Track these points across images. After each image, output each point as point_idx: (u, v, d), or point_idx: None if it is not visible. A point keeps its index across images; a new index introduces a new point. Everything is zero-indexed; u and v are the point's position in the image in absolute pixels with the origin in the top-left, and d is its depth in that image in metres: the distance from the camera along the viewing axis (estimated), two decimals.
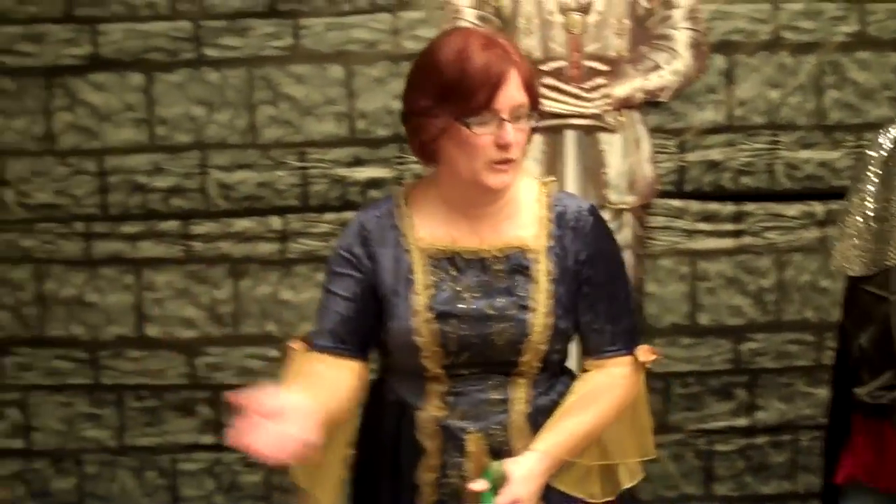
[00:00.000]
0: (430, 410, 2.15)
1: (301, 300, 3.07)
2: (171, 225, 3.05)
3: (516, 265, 2.14)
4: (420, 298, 2.13)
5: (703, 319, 3.10)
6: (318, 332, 2.19)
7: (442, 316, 2.12)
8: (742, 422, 3.15)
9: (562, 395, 2.17)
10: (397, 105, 2.82)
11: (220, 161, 3.03)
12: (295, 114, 3.01)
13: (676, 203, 3.05)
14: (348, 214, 3.00)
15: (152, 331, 3.09)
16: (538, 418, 2.14)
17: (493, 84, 2.04)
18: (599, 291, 2.17)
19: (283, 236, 3.06)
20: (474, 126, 2.05)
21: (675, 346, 3.08)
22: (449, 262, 2.15)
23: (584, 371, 2.21)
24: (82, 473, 3.13)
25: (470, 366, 2.13)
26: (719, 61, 3.00)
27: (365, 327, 2.17)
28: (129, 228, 3.05)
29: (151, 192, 3.04)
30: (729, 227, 3.07)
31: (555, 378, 2.19)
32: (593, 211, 2.21)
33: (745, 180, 3.07)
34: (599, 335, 2.17)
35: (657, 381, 3.06)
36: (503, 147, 2.06)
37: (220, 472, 3.14)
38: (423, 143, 2.13)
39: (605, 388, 2.16)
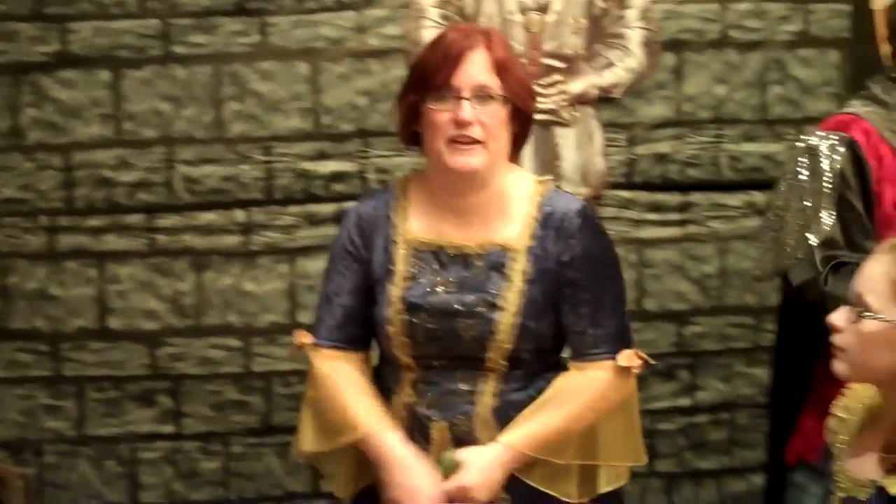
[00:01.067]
0: (403, 396, 2.18)
1: (263, 291, 3.09)
2: (135, 218, 3.04)
3: (494, 263, 2.13)
4: (396, 290, 2.15)
5: (650, 305, 3.18)
6: (324, 327, 2.21)
7: (412, 308, 2.14)
8: (684, 401, 3.22)
9: (540, 391, 2.14)
10: (362, 101, 2.89)
11: (186, 155, 3.04)
12: (261, 109, 3.03)
13: (626, 194, 3.12)
14: (312, 207, 3.04)
15: (115, 323, 3.07)
16: (508, 412, 2.13)
17: (452, 62, 2.07)
18: (582, 294, 2.13)
19: (247, 229, 3.07)
20: (432, 102, 2.09)
21: None
22: (433, 255, 2.16)
23: (567, 370, 2.18)
24: (41, 463, 3.10)
25: (439, 357, 2.15)
26: (669, 59, 3.09)
27: (369, 317, 2.20)
28: (94, 222, 3.04)
29: (117, 187, 3.03)
30: (675, 216, 3.16)
31: (535, 375, 2.16)
32: (583, 213, 2.17)
33: (692, 172, 3.16)
34: (581, 338, 2.14)
35: None
36: (460, 125, 2.07)
37: (178, 459, 3.14)
38: (401, 127, 2.18)
39: (580, 390, 2.13)
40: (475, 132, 2.08)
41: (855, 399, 1.89)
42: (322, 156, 3.06)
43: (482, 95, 2.09)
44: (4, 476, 2.47)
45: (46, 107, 2.99)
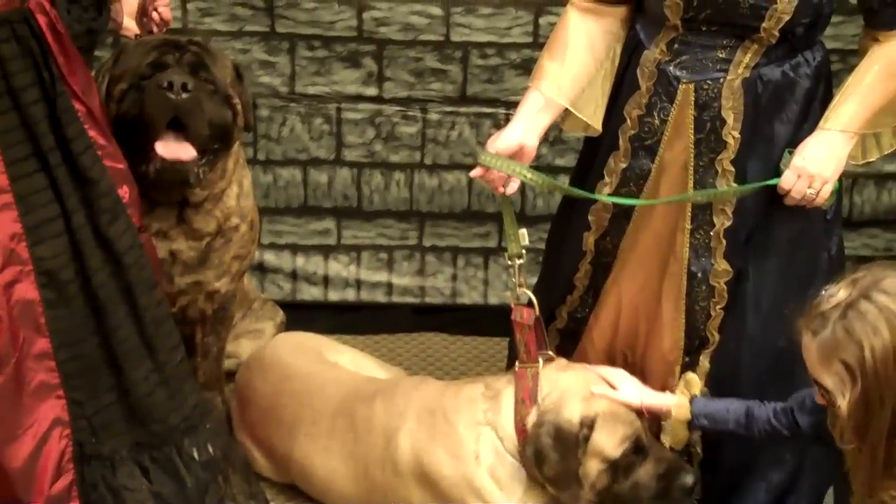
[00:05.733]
0: (655, 52, 2.12)
1: None
2: None
3: None
4: None
5: None
6: None
7: None
8: None
9: (796, 68, 2.06)
10: None
11: None
12: None
13: None
14: None
15: None
16: (756, 85, 2.07)
17: None
18: None
19: None
20: None
21: None
22: None
23: (875, 41, 2.06)
24: (256, 116, 3.12)
25: (709, 23, 2.05)
26: None
27: None
28: None
29: None
30: None
31: (795, 52, 2.07)
32: None
33: None
34: (891, 7, 2.01)
35: None
36: None
37: (380, 122, 3.13)
38: None
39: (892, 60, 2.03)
40: None
41: None
42: None
43: None
44: (211, 58, 2.25)
45: None
